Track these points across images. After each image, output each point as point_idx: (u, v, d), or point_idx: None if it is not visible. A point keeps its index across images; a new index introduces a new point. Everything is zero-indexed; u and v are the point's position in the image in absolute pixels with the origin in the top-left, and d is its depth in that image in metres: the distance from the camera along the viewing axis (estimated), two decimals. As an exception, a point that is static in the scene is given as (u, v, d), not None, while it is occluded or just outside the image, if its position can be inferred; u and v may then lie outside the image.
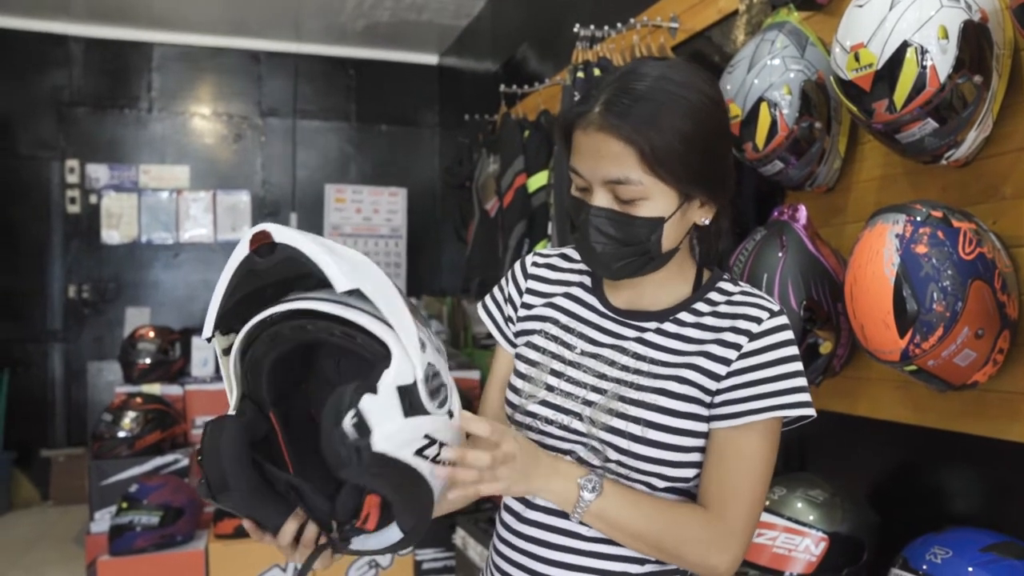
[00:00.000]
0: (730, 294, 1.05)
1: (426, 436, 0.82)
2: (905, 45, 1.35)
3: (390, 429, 0.79)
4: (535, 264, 1.17)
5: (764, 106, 1.72)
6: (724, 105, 1.04)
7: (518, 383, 1.09)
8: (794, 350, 1.01)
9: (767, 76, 1.72)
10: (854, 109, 1.48)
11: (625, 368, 1.02)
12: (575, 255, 1.16)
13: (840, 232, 1.84)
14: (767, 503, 1.65)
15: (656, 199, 0.98)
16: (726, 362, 1.00)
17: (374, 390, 0.78)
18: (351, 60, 5.68)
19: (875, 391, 1.75)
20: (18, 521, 4.58)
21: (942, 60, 1.34)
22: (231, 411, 0.88)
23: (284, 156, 5.56)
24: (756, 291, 1.06)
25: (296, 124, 5.59)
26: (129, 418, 3.48)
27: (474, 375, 4.11)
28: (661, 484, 1.01)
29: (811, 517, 1.60)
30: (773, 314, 1.01)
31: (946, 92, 1.36)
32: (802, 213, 1.73)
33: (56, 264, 5.15)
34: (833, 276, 1.69)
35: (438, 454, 0.84)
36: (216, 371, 4.18)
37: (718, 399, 1.00)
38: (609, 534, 0.98)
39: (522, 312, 1.15)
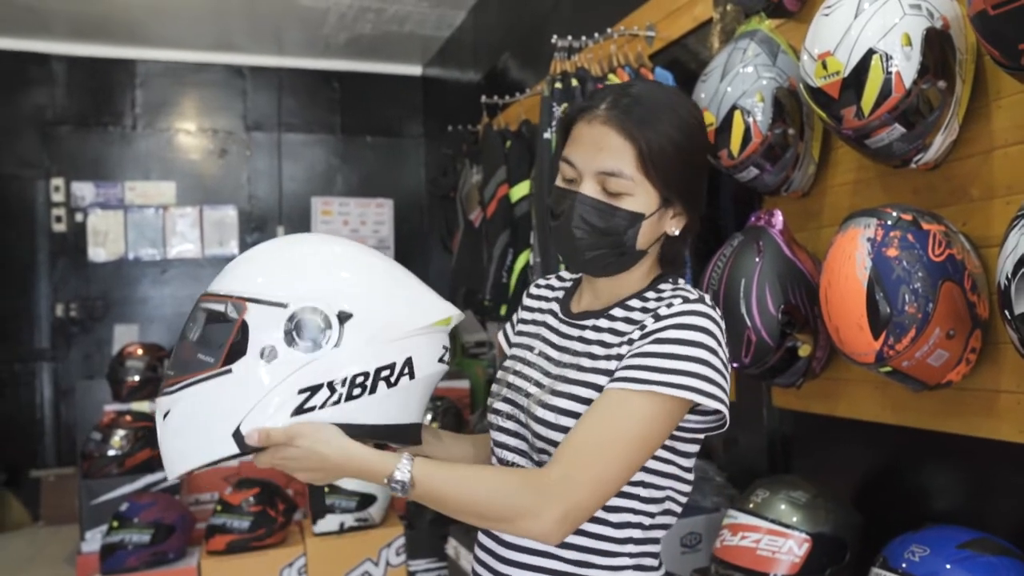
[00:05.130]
0: (662, 291, 1.08)
1: None
2: (870, 52, 1.38)
3: None
4: (536, 286, 1.27)
5: (738, 114, 1.74)
6: (706, 129, 1.11)
7: (493, 386, 1.18)
8: (700, 336, 0.98)
9: (740, 84, 1.75)
10: (824, 116, 1.50)
11: (562, 364, 1.08)
12: (567, 275, 1.24)
13: (816, 236, 1.87)
14: (750, 505, 1.67)
15: (640, 197, 1.03)
16: (630, 342, 1.02)
17: None
18: (335, 73, 5.69)
19: (854, 392, 1.77)
20: (9, 543, 4.55)
21: (907, 66, 1.37)
22: None
23: (270, 170, 5.56)
24: (688, 287, 1.08)
25: (281, 138, 5.60)
26: (119, 436, 3.47)
27: (463, 384, 4.12)
28: None
29: (794, 518, 1.62)
30: (688, 301, 1.02)
31: (912, 97, 1.38)
32: (778, 218, 1.75)
33: (43, 283, 5.13)
34: (810, 280, 1.71)
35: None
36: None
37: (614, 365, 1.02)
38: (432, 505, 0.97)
39: (519, 327, 1.24)
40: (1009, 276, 1.15)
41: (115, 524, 3.03)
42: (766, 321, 1.68)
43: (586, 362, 1.05)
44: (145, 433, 3.52)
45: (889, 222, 1.39)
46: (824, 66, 1.44)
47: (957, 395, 1.51)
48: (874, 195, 1.71)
